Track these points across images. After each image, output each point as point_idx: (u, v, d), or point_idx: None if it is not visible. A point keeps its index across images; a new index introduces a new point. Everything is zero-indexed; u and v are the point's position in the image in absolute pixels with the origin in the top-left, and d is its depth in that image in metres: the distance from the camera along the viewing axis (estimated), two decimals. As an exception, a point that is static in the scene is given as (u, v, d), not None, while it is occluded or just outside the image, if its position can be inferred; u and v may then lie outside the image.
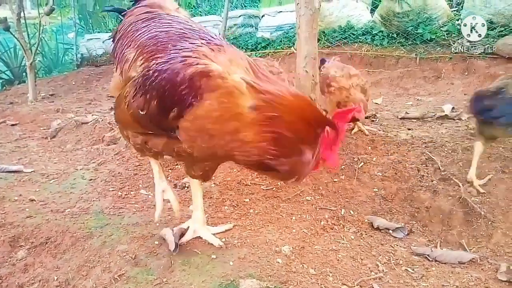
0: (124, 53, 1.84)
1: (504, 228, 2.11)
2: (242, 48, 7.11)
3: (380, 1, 6.39)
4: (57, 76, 11.01)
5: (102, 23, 13.04)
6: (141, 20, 1.90)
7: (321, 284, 1.71)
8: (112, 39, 2.04)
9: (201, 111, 1.50)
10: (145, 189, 2.84)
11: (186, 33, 1.73)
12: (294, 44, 6.18)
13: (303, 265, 1.83)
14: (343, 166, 2.66)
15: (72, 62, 13.38)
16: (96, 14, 12.44)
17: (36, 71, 13.60)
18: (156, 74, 1.59)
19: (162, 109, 1.59)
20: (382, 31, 5.58)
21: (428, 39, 5.00)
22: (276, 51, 6.71)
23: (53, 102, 7.15)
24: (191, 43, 1.64)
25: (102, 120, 4.62)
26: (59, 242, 2.09)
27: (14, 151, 4.07)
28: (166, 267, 1.80)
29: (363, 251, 1.99)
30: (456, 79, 4.46)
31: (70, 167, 3.38)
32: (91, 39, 12.43)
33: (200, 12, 10.55)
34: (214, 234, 2.04)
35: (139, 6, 1.98)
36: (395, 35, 5.40)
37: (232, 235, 2.06)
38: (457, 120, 3.32)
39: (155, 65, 1.63)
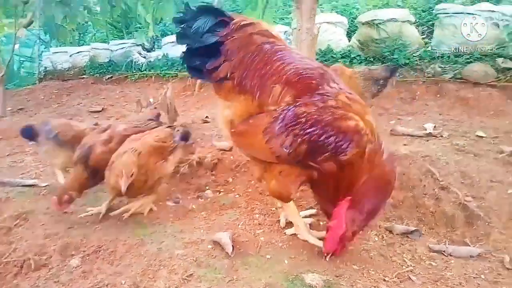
0: (266, 84, 2.01)
1: (500, 227, 2.50)
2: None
3: (356, 28, 6.96)
4: (21, 90, 10.64)
5: (71, 37, 12.78)
6: (269, 50, 2.05)
7: (366, 277, 1.98)
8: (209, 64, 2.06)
9: (348, 160, 1.94)
10: (170, 201, 2.98)
11: (323, 73, 2.07)
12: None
13: (345, 263, 2.09)
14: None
15: (32, 75, 12.98)
16: (63, 27, 12.16)
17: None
18: (309, 122, 1.92)
19: (311, 153, 1.95)
20: (359, 55, 6.07)
21: (403, 63, 5.54)
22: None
23: (32, 117, 6.99)
24: (330, 87, 2.01)
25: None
26: (112, 250, 2.20)
27: (12, 166, 4.05)
28: (230, 266, 1.99)
29: (389, 250, 2.28)
30: (430, 100, 4.99)
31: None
32: (57, 52, 12.14)
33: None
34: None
35: (254, 33, 2.07)
36: (372, 59, 5.91)
37: (275, 240, 2.29)
38: (440, 137, 3.78)
39: (305, 113, 1.93)
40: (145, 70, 8.84)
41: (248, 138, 2.10)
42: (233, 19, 2.08)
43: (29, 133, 3.14)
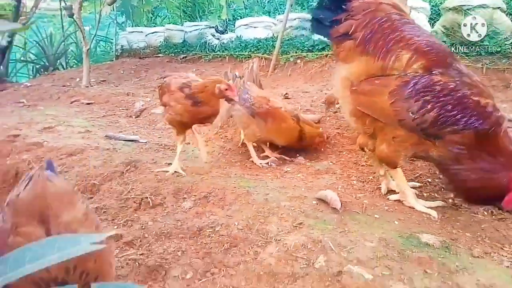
0: (392, 49, 2.03)
1: None
2: (298, 48, 7.36)
3: (437, 14, 6.64)
4: (101, 65, 11.34)
5: (145, 17, 13.40)
6: (398, 20, 2.09)
7: (482, 244, 1.92)
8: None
9: (477, 135, 1.91)
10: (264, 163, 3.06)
11: (452, 53, 2.12)
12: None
13: (458, 230, 2.04)
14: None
15: (107, 53, 13.77)
16: (138, 8, 12.76)
17: (67, 60, 13.91)
18: (445, 90, 1.93)
19: (439, 122, 1.93)
20: (444, 41, 5.80)
21: (494, 51, 5.22)
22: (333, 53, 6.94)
23: (117, 86, 7.43)
24: (461, 67, 2.02)
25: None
26: (221, 197, 2.31)
27: (109, 125, 4.33)
28: (339, 220, 2.02)
29: (501, 224, 2.17)
30: (526, 89, 4.68)
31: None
32: (133, 32, 12.72)
33: (248, 12, 10.84)
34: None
35: (384, 3, 2.14)
36: (459, 45, 5.62)
37: (380, 203, 2.28)
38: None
39: (441, 81, 1.94)
40: (219, 51, 9.06)
41: (371, 97, 2.11)
42: None
43: None
